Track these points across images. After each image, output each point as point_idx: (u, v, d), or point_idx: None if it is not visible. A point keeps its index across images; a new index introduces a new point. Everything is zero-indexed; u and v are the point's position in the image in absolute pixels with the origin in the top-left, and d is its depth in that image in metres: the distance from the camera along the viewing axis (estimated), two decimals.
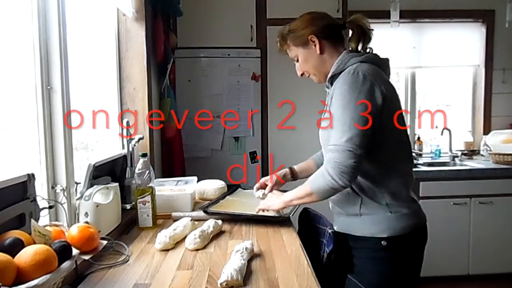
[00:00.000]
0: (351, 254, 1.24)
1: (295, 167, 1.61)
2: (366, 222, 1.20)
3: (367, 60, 1.21)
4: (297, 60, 1.34)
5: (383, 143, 1.16)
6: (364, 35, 1.26)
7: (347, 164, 1.10)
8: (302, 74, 1.36)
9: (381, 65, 1.23)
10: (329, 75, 1.26)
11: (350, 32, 1.29)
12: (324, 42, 1.28)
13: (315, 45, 1.28)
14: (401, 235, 1.17)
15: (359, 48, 1.28)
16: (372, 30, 1.27)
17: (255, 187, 1.58)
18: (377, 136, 1.14)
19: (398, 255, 1.18)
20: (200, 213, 1.54)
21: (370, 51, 1.27)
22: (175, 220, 1.50)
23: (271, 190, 1.51)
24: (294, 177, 1.59)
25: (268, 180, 1.56)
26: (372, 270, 1.20)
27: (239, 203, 1.66)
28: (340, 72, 1.22)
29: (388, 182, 1.18)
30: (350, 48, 1.29)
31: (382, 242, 1.16)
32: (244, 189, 1.89)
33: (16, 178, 0.98)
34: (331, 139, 1.15)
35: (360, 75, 1.14)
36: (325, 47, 1.28)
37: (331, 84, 1.26)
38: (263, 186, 1.56)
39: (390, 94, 1.17)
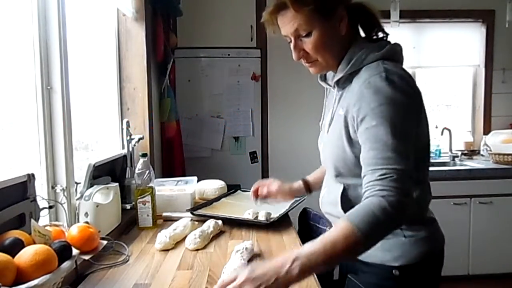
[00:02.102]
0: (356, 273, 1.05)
1: (309, 178, 1.34)
2: (376, 247, 0.90)
3: (388, 55, 0.96)
4: (305, 36, 0.95)
5: None
6: (372, 19, 1.00)
7: (410, 193, 0.85)
8: (300, 58, 1.00)
9: (400, 59, 1.01)
10: (338, 77, 0.99)
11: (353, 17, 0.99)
12: (348, 24, 0.97)
13: (340, 23, 0.95)
14: (416, 262, 0.97)
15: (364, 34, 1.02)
16: (379, 14, 1.01)
17: (251, 192, 1.39)
18: None
19: (412, 285, 0.99)
20: (188, 214, 1.52)
21: (385, 38, 1.02)
22: (165, 220, 1.52)
23: (264, 197, 1.34)
24: (310, 190, 1.33)
25: (267, 184, 1.35)
26: None
27: (232, 206, 1.65)
28: (352, 73, 0.97)
29: None
30: (358, 38, 1.02)
31: (394, 271, 0.96)
32: (243, 191, 1.88)
33: (16, 178, 0.97)
34: (377, 156, 0.85)
35: (396, 80, 0.89)
36: (347, 29, 0.97)
37: (337, 84, 1.01)
38: (258, 193, 1.37)
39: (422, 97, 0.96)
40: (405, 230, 0.97)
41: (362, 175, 0.88)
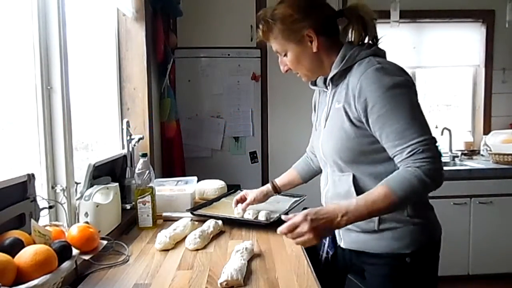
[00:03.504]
0: (362, 269, 1.13)
1: (277, 180, 1.50)
2: (386, 237, 1.05)
3: (379, 53, 1.06)
4: (285, 55, 1.12)
5: None
6: (366, 27, 1.06)
7: (439, 158, 0.95)
8: (286, 71, 1.16)
9: (385, 57, 1.09)
10: (333, 74, 1.07)
11: (347, 21, 1.09)
12: (322, 39, 1.07)
13: (311, 42, 1.07)
14: (424, 247, 1.06)
15: (361, 39, 1.08)
16: (375, 19, 1.07)
17: (234, 200, 1.51)
18: None
19: (421, 271, 1.07)
20: (188, 214, 1.52)
21: (374, 42, 1.09)
22: (165, 220, 1.52)
23: (246, 206, 1.45)
24: (278, 191, 1.50)
25: (248, 194, 1.49)
26: None
27: (232, 206, 1.64)
28: (346, 69, 1.05)
29: None
30: (349, 40, 1.11)
31: (407, 259, 1.04)
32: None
33: (16, 178, 0.98)
34: (398, 137, 0.94)
35: (391, 68, 0.99)
36: (322, 44, 1.08)
37: (332, 82, 1.10)
38: (243, 199, 1.49)
39: None
40: (413, 218, 1.04)
41: (392, 156, 0.98)
